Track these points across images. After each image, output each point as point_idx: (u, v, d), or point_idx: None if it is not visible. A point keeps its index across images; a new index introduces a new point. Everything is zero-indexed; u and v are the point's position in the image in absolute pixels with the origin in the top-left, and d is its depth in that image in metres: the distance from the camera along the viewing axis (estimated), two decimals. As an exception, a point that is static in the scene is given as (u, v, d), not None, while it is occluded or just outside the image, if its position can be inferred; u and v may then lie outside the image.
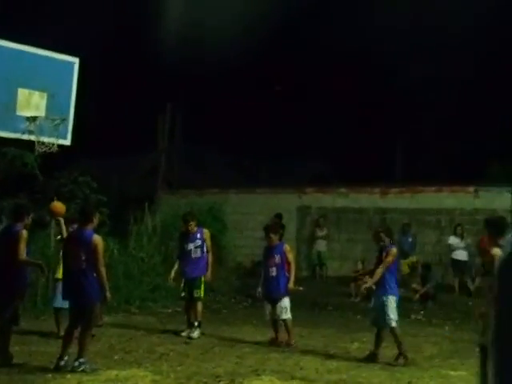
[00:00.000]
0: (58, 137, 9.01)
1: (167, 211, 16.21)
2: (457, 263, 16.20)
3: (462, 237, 16.16)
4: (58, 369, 7.46)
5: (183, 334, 10.11)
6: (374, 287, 12.21)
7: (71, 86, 9.40)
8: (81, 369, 7.45)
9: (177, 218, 15.45)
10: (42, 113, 8.88)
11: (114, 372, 7.53)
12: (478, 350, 9.64)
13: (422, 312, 13.43)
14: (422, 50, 22.99)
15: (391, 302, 8.61)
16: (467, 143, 24.73)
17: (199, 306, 10.28)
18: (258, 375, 7.64)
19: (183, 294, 10.42)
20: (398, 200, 18.04)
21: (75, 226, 9.73)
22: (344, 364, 8.46)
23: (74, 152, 11.49)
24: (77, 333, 7.71)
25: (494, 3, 19.40)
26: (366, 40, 24.02)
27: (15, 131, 8.83)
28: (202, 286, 10.26)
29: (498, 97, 23.01)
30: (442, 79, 23.91)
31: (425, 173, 21.05)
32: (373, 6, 22.19)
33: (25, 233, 8.17)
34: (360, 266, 15.18)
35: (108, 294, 7.75)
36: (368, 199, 18.44)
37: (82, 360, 7.53)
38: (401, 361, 8.34)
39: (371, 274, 9.29)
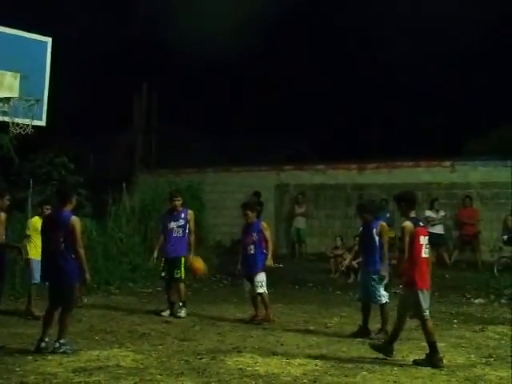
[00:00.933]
0: (32, 118, 8.88)
1: (145, 191, 16.14)
2: (433, 236, 16.34)
3: (437, 210, 16.34)
4: (38, 350, 7.44)
5: (163, 313, 10.11)
6: (355, 264, 12.36)
7: (45, 66, 9.26)
8: (62, 350, 7.44)
9: (155, 197, 15.44)
10: (15, 93, 8.74)
11: (95, 352, 7.53)
12: (455, 321, 9.83)
13: (400, 286, 13.55)
14: (397, 25, 23.00)
15: (380, 279, 8.67)
16: (442, 118, 24.90)
17: (181, 286, 10.25)
18: (240, 352, 7.69)
19: (163, 274, 10.40)
20: (376, 175, 18.15)
21: (48, 207, 9.86)
22: (324, 339, 8.54)
23: (50, 133, 11.37)
24: (57, 314, 7.68)
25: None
26: (341, 14, 23.98)
27: (-12, 113, 8.71)
28: (182, 266, 10.22)
29: (473, 71, 23.15)
30: (417, 54, 23.99)
31: (401, 148, 21.16)
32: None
33: (3, 215, 8.10)
34: (339, 243, 15.27)
35: (87, 276, 7.72)
36: (345, 175, 18.53)
37: (62, 341, 7.51)
38: (381, 335, 8.43)
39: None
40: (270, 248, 9.77)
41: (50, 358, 7.25)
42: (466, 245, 16.27)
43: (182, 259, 10.22)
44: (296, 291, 13.23)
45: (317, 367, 7.05)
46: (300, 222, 18.15)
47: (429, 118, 25.82)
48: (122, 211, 15.17)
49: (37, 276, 9.26)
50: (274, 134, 25.91)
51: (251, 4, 20.89)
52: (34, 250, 9.65)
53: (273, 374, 6.79)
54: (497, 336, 8.84)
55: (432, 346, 7.20)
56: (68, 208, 7.78)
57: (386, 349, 7.46)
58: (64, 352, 7.42)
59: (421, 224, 7.50)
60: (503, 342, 8.46)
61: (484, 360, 7.48)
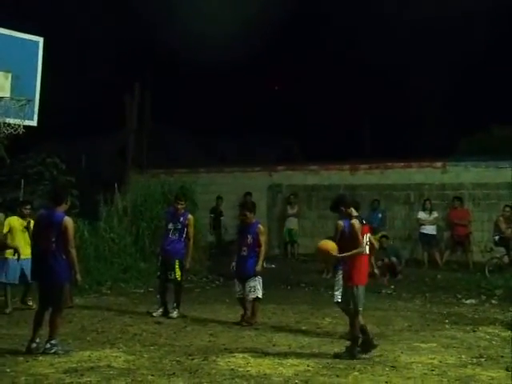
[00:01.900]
0: (24, 118, 8.87)
1: (137, 192, 16.10)
2: (425, 237, 16.44)
3: (430, 211, 16.39)
4: (29, 351, 7.42)
5: (154, 314, 10.09)
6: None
7: (36, 66, 9.25)
8: (53, 351, 7.42)
9: (147, 198, 15.41)
10: (6, 93, 8.73)
11: (87, 353, 7.51)
12: (447, 322, 9.86)
13: (392, 287, 13.61)
14: (390, 26, 23.03)
15: (339, 278, 8.57)
16: (435, 119, 24.95)
17: (177, 288, 10.21)
18: (231, 353, 7.69)
19: (159, 274, 10.40)
20: (368, 176, 18.19)
21: (28, 207, 10.33)
22: (316, 340, 8.55)
23: (41, 133, 11.34)
24: (47, 315, 7.66)
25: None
26: (335, 16, 24.01)
27: (-21, 113, 8.68)
28: (177, 268, 10.16)
29: (464, 72, 23.20)
30: (409, 54, 24.03)
31: (393, 149, 21.20)
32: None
33: (1, 216, 8.09)
34: (331, 243, 15.26)
35: (78, 276, 7.71)
36: (338, 176, 18.55)
37: (53, 342, 7.49)
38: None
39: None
40: (262, 253, 9.67)
41: (41, 358, 7.23)
42: (457, 245, 16.32)
43: (177, 262, 10.16)
44: (288, 291, 13.23)
45: (309, 368, 7.06)
46: (292, 223, 18.15)
47: (421, 119, 25.87)
48: (113, 212, 15.13)
49: (13, 275, 9.95)
50: (263, 133, 25.91)
51: (242, 5, 20.90)
52: (10, 251, 9.81)
53: (264, 374, 6.79)
54: (488, 336, 8.87)
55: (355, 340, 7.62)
56: (61, 209, 7.78)
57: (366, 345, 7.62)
58: (55, 353, 7.41)
59: (364, 222, 8.03)
60: (494, 343, 8.49)
61: (475, 360, 7.51)
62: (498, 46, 23.13)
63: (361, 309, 7.74)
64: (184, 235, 10.25)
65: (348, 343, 7.75)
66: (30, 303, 10.28)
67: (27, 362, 7.10)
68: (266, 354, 7.62)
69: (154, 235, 14.03)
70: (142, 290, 12.87)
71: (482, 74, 23.69)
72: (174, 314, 10.05)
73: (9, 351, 7.56)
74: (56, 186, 13.20)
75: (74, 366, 6.97)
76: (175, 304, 10.16)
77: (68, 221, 7.65)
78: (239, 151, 24.71)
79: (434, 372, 6.95)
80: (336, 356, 7.53)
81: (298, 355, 7.62)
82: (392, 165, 18.15)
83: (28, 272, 9.95)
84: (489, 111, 22.19)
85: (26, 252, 9.37)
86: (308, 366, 7.14)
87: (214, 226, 18.04)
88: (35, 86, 9.22)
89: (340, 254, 7.68)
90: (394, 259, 14.71)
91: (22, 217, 10.33)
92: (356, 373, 6.88)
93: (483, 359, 7.56)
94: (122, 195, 15.91)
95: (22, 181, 15.38)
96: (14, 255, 9.75)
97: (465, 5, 20.71)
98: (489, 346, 8.32)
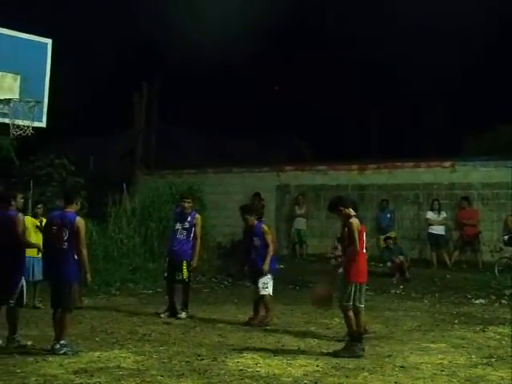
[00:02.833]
0: (33, 119, 8.92)
1: (146, 192, 16.13)
2: (434, 237, 16.39)
3: (439, 211, 16.34)
4: (53, 352, 7.43)
5: (162, 315, 10.08)
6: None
7: (45, 68, 9.30)
8: (62, 351, 7.44)
9: (156, 198, 15.43)
10: (15, 95, 8.78)
11: (96, 354, 7.53)
12: (456, 322, 9.82)
13: (401, 287, 13.58)
14: (396, 23, 22.97)
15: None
16: (443, 118, 24.87)
17: (183, 288, 10.19)
18: (240, 353, 7.69)
19: (166, 274, 10.39)
20: (376, 176, 18.15)
21: (39, 206, 10.46)
22: (325, 340, 8.53)
23: (50, 134, 11.38)
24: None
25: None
26: (339, 12, 23.95)
27: (-11, 115, 8.72)
28: (185, 269, 10.11)
29: (473, 70, 23.13)
30: (418, 52, 23.96)
31: (401, 148, 21.16)
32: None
33: (21, 215, 8.17)
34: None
35: (89, 276, 7.73)
36: (346, 176, 18.52)
37: (62, 342, 7.51)
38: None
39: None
40: (269, 253, 9.63)
41: (50, 359, 7.25)
42: (466, 245, 16.27)
43: (185, 262, 10.11)
44: (296, 292, 13.21)
45: (318, 368, 7.04)
46: (300, 223, 18.15)
47: (429, 118, 25.81)
48: (122, 212, 15.16)
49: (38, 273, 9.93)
50: (273, 133, 25.89)
51: (251, 5, 20.92)
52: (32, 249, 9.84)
53: (274, 374, 6.78)
54: (498, 336, 8.83)
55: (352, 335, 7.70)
56: (72, 209, 7.84)
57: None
58: (65, 353, 7.42)
59: (362, 222, 8.14)
60: (504, 343, 8.45)
61: (485, 360, 7.48)
62: (507, 45, 23.04)
63: (362, 305, 7.84)
64: (192, 235, 10.20)
65: (347, 339, 7.79)
66: (39, 304, 10.32)
67: (37, 362, 7.12)
68: (275, 355, 7.61)
69: (163, 236, 14.03)
70: (151, 291, 12.88)
71: (490, 72, 23.61)
72: (183, 314, 10.05)
73: (18, 351, 7.58)
74: (66, 187, 13.26)
75: (84, 366, 6.99)
76: (183, 305, 10.16)
77: (80, 221, 7.72)
78: (249, 151, 24.66)
79: (443, 372, 6.93)
80: (335, 354, 7.53)
81: (308, 355, 7.61)
82: (401, 165, 18.10)
83: (35, 271, 10.06)
84: (497, 110, 22.10)
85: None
86: (317, 366, 7.12)
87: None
88: (44, 87, 9.27)
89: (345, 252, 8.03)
90: (401, 257, 14.68)
91: (35, 216, 10.48)
92: (365, 373, 6.86)
93: (493, 359, 7.53)
94: (130, 196, 15.95)
95: (32, 182, 15.44)
96: (38, 254, 9.76)
97: (476, 2, 20.66)
98: (499, 345, 8.28)
